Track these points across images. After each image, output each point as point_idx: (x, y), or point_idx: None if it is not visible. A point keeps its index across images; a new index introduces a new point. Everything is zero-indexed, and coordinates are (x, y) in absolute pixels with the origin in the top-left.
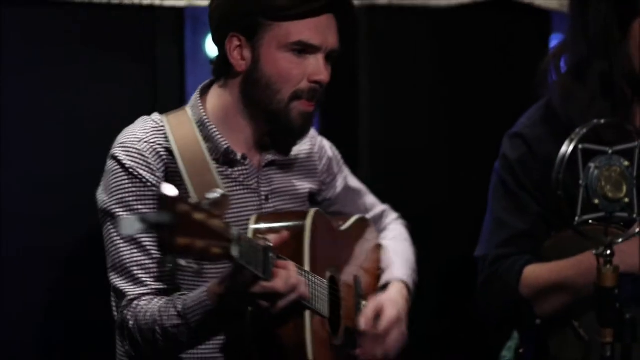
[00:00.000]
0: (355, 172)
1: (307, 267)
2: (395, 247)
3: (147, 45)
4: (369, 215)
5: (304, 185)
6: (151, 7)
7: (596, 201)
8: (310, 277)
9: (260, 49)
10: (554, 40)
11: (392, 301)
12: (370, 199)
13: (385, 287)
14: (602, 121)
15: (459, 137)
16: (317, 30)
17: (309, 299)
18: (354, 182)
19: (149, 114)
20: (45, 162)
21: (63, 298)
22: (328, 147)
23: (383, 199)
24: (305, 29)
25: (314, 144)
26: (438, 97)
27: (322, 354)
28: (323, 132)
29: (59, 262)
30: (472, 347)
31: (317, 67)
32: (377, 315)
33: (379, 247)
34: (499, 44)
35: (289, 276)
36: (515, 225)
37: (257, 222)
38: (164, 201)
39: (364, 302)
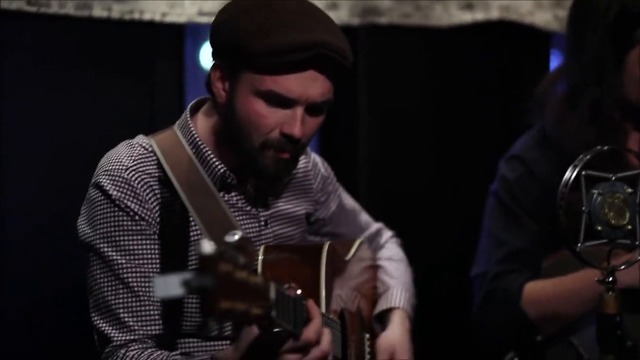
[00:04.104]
0: (354, 191)
1: (323, 309)
2: (392, 269)
3: (147, 61)
4: (364, 235)
5: (301, 207)
6: (151, 23)
7: (599, 228)
8: (327, 320)
9: (237, 88)
10: (554, 58)
11: (401, 344)
12: (364, 217)
13: (385, 313)
14: (605, 148)
15: (458, 156)
16: (296, 82)
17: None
18: (348, 200)
19: (147, 132)
20: (43, 180)
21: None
22: (321, 165)
23: (381, 217)
24: (281, 80)
25: (308, 162)
26: (438, 116)
27: None
28: (321, 152)
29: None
30: None
31: (290, 120)
32: None
33: (374, 268)
34: (499, 65)
35: (317, 328)
36: (514, 243)
37: (265, 253)
38: (205, 261)
39: (367, 335)
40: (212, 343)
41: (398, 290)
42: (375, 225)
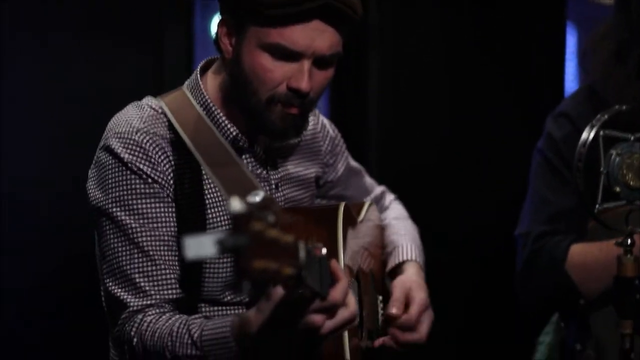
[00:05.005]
0: (365, 159)
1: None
2: (400, 227)
3: (155, 28)
4: (369, 197)
5: (311, 169)
6: None
7: (617, 189)
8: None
9: (243, 43)
10: (569, 27)
11: (417, 283)
12: (368, 179)
13: (396, 269)
14: (624, 107)
15: (470, 122)
16: (301, 34)
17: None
18: (353, 163)
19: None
20: (51, 147)
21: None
22: (329, 126)
23: (391, 184)
24: (286, 32)
25: (316, 123)
26: (450, 81)
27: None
28: (332, 118)
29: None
30: (507, 335)
31: (297, 74)
32: (406, 300)
33: (382, 228)
34: (513, 30)
35: (344, 289)
36: (560, 202)
37: None
38: (238, 220)
39: (380, 297)
40: (231, 308)
41: (408, 245)
42: (380, 188)
